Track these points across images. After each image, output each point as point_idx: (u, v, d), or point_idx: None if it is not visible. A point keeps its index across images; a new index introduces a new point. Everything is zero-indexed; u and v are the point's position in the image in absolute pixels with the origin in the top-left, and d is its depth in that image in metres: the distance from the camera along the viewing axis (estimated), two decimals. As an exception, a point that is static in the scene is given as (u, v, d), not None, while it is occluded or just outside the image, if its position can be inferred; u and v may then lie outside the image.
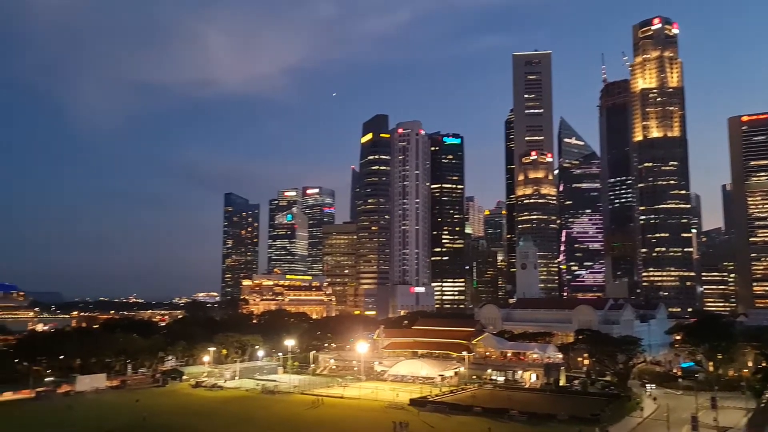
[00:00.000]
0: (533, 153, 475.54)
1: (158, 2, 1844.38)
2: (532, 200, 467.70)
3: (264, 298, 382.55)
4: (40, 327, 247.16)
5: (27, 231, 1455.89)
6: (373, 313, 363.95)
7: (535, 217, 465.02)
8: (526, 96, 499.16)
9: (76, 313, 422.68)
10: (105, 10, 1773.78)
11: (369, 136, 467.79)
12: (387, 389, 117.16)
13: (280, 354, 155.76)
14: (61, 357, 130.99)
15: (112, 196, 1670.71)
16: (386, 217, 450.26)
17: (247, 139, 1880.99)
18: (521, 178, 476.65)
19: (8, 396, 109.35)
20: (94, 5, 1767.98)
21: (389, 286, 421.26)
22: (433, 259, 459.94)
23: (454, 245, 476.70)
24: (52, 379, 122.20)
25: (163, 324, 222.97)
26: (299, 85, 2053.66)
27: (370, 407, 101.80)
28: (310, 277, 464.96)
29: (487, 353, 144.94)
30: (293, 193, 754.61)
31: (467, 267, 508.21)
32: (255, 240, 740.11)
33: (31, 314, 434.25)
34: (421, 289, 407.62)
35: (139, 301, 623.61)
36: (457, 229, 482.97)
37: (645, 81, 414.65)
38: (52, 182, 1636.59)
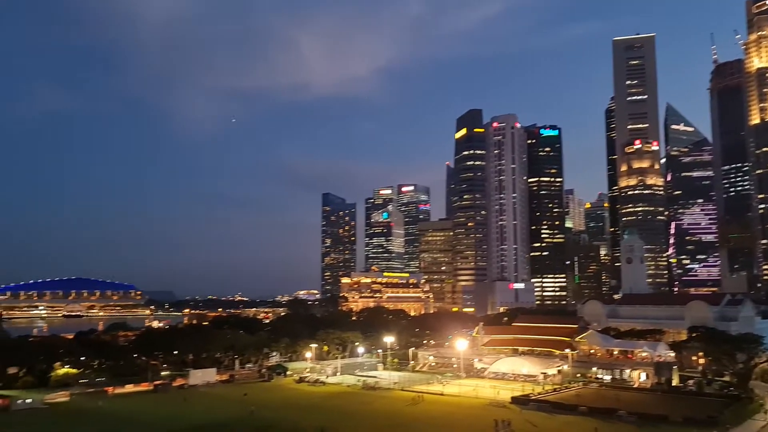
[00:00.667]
0: (637, 142, 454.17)
1: (254, 12, 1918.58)
2: (636, 191, 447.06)
3: (362, 295, 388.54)
4: (155, 324, 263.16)
5: (141, 234, 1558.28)
6: (472, 310, 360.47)
7: (640, 208, 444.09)
8: (628, 82, 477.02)
9: (187, 310, 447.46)
10: (205, 22, 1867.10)
11: (463, 131, 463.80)
12: (487, 387, 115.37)
13: (379, 351, 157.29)
14: (175, 352, 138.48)
15: (216, 200, 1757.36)
16: (483, 212, 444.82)
17: (342, 140, 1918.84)
18: (624, 168, 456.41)
19: (130, 388, 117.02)
20: (194, 19, 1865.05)
21: (487, 282, 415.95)
22: (532, 254, 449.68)
23: (554, 240, 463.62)
24: (167, 372, 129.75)
25: (267, 321, 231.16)
26: (391, 84, 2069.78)
27: (471, 404, 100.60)
28: (407, 275, 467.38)
29: (592, 351, 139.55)
30: (388, 192, 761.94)
31: (568, 262, 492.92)
32: (352, 238, 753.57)
33: (147, 312, 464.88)
34: (520, 286, 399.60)
35: (244, 299, 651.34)
36: (557, 223, 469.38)
37: (761, 60, 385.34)
38: (162, 188, 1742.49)
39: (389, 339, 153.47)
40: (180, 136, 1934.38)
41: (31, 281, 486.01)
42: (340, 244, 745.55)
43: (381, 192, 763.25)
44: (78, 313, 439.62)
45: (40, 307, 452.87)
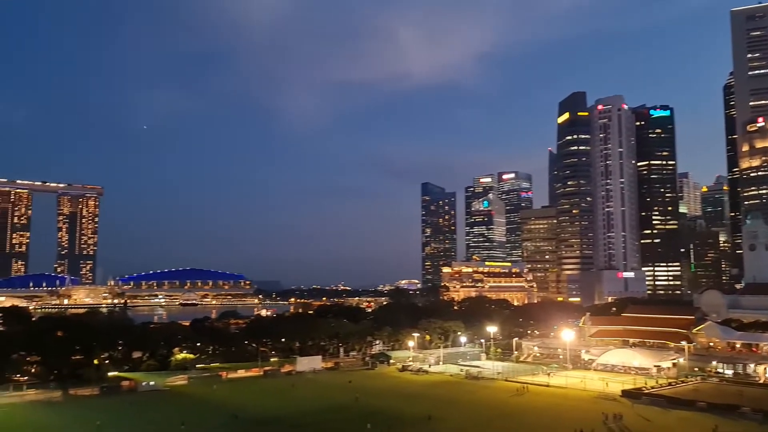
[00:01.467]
0: (760, 120, 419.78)
1: (353, 5, 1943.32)
2: (760, 173, 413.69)
3: (464, 285, 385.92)
4: (264, 312, 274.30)
5: (250, 225, 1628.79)
6: (577, 299, 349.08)
7: (764, 191, 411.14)
8: (749, 56, 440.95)
9: (293, 299, 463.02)
10: (306, 19, 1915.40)
11: (566, 115, 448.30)
12: (596, 379, 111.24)
13: (482, 340, 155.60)
14: (283, 340, 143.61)
15: (321, 191, 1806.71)
16: (588, 199, 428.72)
17: (442, 128, 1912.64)
18: (746, 148, 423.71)
19: (242, 373, 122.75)
20: (297, 15, 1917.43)
21: (594, 271, 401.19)
22: (642, 242, 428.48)
23: (667, 226, 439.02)
24: (276, 359, 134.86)
25: (370, 310, 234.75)
26: (490, 70, 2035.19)
27: (578, 397, 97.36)
28: (509, 264, 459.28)
29: (711, 344, 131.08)
30: (488, 180, 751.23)
31: (683, 250, 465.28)
32: (452, 228, 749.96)
33: (256, 301, 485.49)
34: (630, 275, 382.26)
35: (347, 288, 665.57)
36: (670, 208, 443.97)
37: None
38: (272, 181, 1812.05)
39: (492, 329, 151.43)
40: (288, 130, 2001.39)
41: (151, 272, 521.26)
42: (440, 233, 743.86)
43: (481, 180, 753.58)
44: (193, 302, 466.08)
45: (160, 296, 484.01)
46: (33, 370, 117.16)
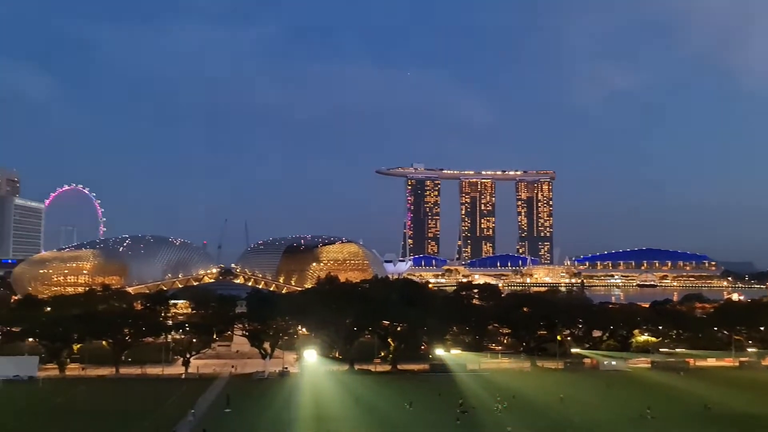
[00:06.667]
0: None
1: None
2: None
3: None
4: (735, 296, 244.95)
5: (719, 202, 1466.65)
6: None
7: None
8: None
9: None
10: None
11: None
12: None
13: None
14: (762, 328, 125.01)
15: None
16: None
17: None
18: None
19: (712, 362, 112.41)
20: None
21: None
22: None
23: None
24: (755, 350, 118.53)
25: None
26: None
27: None
28: None
29: None
30: None
31: None
32: None
33: (724, 284, 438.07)
34: None
35: None
36: None
37: None
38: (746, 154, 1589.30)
39: None
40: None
41: (606, 252, 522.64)
42: None
43: None
44: (651, 283, 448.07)
45: (615, 276, 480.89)
46: (505, 341, 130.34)
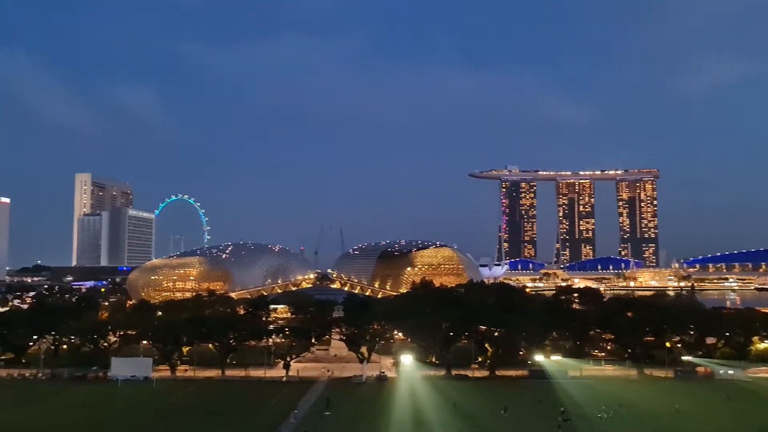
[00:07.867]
0: None
1: None
2: None
3: None
4: None
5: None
6: None
7: None
8: None
9: None
10: None
11: None
12: None
13: None
14: None
15: None
16: None
17: None
18: None
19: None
20: None
21: None
22: None
23: None
24: None
25: None
26: None
27: None
28: None
29: None
30: None
31: None
32: None
33: None
34: None
35: None
36: None
37: None
38: None
39: None
40: None
41: (719, 254, 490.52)
42: None
43: None
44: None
45: (730, 279, 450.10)
46: (608, 347, 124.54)
